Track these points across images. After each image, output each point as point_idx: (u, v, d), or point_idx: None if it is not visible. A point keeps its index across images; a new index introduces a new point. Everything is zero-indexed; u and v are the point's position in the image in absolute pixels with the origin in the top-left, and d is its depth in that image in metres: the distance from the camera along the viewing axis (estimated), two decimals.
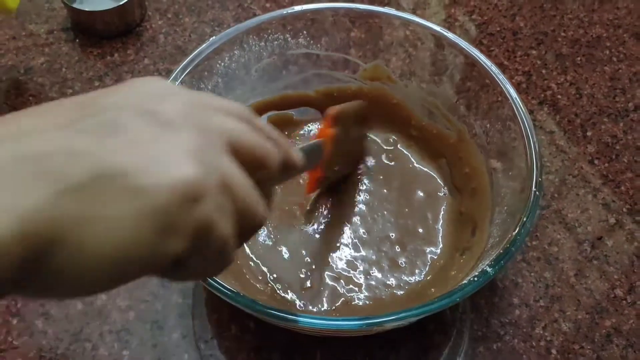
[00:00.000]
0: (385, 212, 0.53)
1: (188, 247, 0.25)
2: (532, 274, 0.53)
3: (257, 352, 0.49)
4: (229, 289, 0.40)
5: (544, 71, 0.66)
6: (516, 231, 0.42)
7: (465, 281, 0.40)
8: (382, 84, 0.57)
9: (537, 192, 0.44)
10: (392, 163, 0.56)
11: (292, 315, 0.39)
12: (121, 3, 0.66)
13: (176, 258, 0.25)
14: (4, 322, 0.50)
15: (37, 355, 0.49)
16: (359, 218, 0.53)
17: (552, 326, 0.51)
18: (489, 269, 0.40)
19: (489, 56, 0.67)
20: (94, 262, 0.23)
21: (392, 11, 0.55)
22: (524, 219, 0.42)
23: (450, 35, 0.52)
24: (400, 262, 0.51)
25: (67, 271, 0.23)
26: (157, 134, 0.25)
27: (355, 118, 0.53)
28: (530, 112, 0.63)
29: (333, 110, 0.49)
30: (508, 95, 0.49)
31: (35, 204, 0.21)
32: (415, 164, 0.56)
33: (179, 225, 0.25)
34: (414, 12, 0.71)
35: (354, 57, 0.57)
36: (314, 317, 0.39)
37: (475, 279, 0.40)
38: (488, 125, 0.52)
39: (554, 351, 0.50)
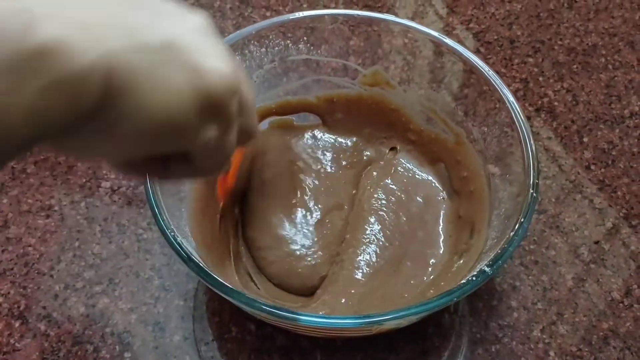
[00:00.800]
0: (385, 216, 0.54)
1: (217, 137, 0.30)
2: (530, 277, 0.54)
3: (257, 354, 0.50)
4: (230, 287, 0.40)
5: (540, 79, 0.67)
6: (513, 232, 0.42)
7: (464, 281, 0.41)
8: (382, 89, 0.58)
9: (534, 194, 0.44)
10: (392, 169, 0.57)
11: (291, 313, 0.39)
12: None
13: (203, 142, 0.29)
14: (6, 325, 0.51)
15: (40, 357, 0.49)
16: (359, 222, 0.53)
17: (550, 329, 0.51)
18: (487, 269, 0.41)
19: (485, 64, 0.68)
20: (148, 115, 0.26)
21: (391, 17, 0.56)
22: (522, 220, 0.43)
23: (448, 41, 0.53)
24: (401, 265, 0.51)
25: (126, 115, 0.26)
26: (209, 34, 0.30)
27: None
28: (528, 118, 0.64)
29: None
30: (506, 101, 0.50)
31: (117, 50, 0.25)
32: (414, 169, 0.57)
33: (219, 112, 0.29)
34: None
35: (353, 63, 0.58)
36: (314, 315, 0.39)
37: (474, 278, 0.40)
38: (486, 130, 0.52)
39: (551, 353, 0.50)
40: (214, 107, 0.28)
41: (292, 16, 0.55)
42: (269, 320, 0.43)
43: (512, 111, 0.49)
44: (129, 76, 0.25)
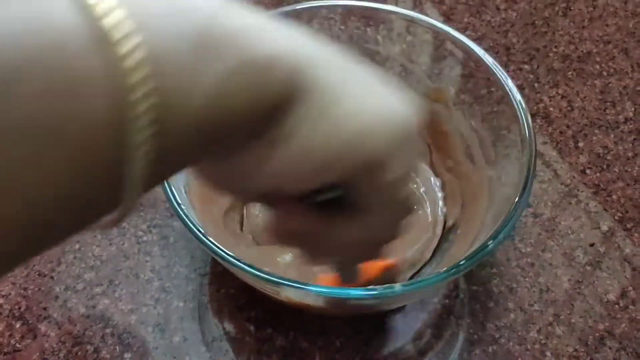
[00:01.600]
0: None
1: (395, 180, 0.27)
2: (527, 279, 0.55)
3: (257, 355, 0.50)
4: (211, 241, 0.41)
5: (536, 85, 0.68)
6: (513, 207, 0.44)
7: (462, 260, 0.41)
8: (442, 105, 0.56)
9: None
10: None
11: (277, 278, 0.39)
12: None
13: (381, 182, 0.26)
14: (7, 326, 0.51)
15: (40, 357, 0.49)
16: None
17: (546, 330, 0.52)
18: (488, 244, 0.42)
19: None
20: (333, 128, 0.24)
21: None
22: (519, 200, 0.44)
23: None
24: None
25: (305, 130, 0.23)
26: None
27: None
28: None
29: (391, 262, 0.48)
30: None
31: (309, 51, 0.24)
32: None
33: (403, 151, 0.26)
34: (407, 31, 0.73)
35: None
36: (299, 282, 0.39)
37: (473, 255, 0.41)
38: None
39: (548, 353, 0.51)
40: (401, 144, 0.26)
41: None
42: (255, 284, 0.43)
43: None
44: (318, 80, 0.23)
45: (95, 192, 0.19)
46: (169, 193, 0.43)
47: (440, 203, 0.56)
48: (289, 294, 0.43)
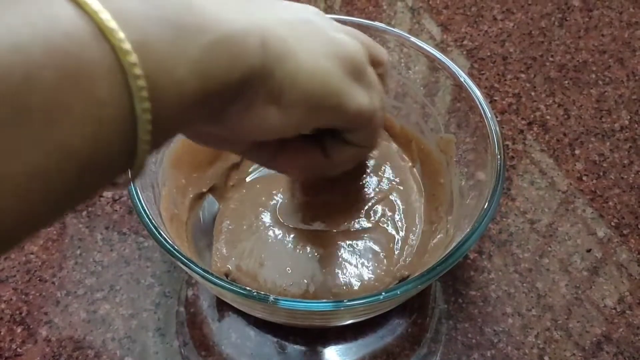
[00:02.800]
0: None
1: (368, 103, 0.34)
2: (525, 284, 0.55)
3: (257, 359, 0.51)
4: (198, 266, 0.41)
5: (533, 94, 0.69)
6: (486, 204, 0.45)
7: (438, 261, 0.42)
8: (446, 158, 0.56)
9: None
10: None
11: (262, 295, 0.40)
12: None
13: (357, 107, 0.33)
14: (8, 331, 0.51)
15: None
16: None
17: (544, 334, 0.52)
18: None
19: (479, 79, 0.70)
20: (307, 79, 0.30)
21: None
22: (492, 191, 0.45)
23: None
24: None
25: (288, 82, 0.29)
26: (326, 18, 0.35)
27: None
28: (520, 131, 0.66)
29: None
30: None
31: (274, 22, 0.29)
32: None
33: (362, 75, 0.33)
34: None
35: None
36: (285, 298, 0.40)
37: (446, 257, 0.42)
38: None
39: (546, 358, 0.51)
40: (358, 70, 0.32)
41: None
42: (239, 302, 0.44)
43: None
44: (282, 44, 0.28)
45: (112, 156, 0.23)
46: (146, 221, 0.43)
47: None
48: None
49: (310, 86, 0.30)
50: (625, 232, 0.59)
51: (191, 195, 0.55)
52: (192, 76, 0.24)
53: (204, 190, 0.56)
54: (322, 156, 0.38)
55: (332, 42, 0.31)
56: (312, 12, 0.33)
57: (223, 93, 0.26)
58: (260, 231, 0.53)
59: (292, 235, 0.53)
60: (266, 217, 0.54)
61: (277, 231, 0.53)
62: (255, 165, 0.60)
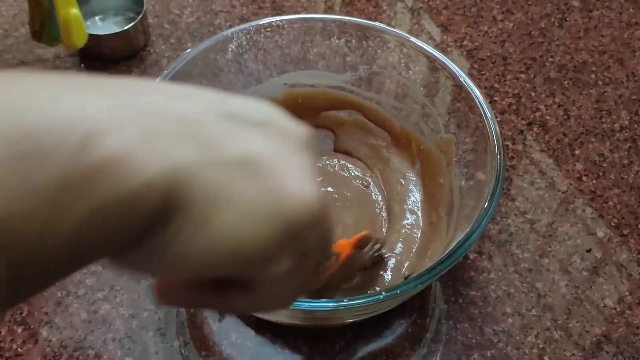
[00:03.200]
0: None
1: (288, 271, 0.25)
2: (525, 284, 0.55)
3: (258, 359, 0.51)
4: None
5: (532, 94, 0.69)
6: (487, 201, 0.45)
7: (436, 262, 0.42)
8: (446, 158, 0.56)
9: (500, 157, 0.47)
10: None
11: None
12: (126, 28, 0.69)
13: (271, 276, 0.24)
14: (9, 331, 0.51)
15: None
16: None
17: (544, 334, 0.52)
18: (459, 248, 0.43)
19: (479, 79, 0.70)
20: (210, 241, 0.22)
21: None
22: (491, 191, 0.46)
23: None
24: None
25: (182, 241, 0.22)
26: (293, 147, 0.25)
27: (378, 249, 0.51)
28: (520, 132, 0.66)
29: (363, 233, 0.50)
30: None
31: (184, 163, 0.21)
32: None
33: (295, 245, 0.24)
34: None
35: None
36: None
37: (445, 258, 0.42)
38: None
39: (546, 358, 0.51)
40: (292, 238, 0.24)
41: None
42: None
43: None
44: (195, 193, 0.22)
45: None
46: None
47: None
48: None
49: (216, 256, 0.23)
50: (625, 232, 0.59)
51: None
52: (63, 253, 0.20)
53: None
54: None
55: (274, 195, 0.23)
56: (276, 144, 0.24)
57: (101, 257, 0.22)
58: None
59: None
60: None
61: None
62: None
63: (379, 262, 0.53)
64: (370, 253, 0.50)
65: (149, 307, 0.53)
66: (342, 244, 0.48)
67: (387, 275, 0.53)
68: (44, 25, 0.62)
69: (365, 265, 0.51)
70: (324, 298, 0.45)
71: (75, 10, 0.61)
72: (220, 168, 0.22)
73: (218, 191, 0.22)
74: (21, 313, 0.52)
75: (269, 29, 0.57)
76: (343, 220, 0.56)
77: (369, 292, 0.51)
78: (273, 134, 0.24)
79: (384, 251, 0.52)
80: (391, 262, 0.54)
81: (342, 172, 0.60)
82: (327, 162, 0.61)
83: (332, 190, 0.58)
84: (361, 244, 0.49)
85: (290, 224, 0.23)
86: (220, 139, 0.23)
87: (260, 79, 0.59)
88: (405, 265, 0.54)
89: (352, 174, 0.60)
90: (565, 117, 0.67)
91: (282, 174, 0.23)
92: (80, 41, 0.63)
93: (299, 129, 0.26)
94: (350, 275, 0.51)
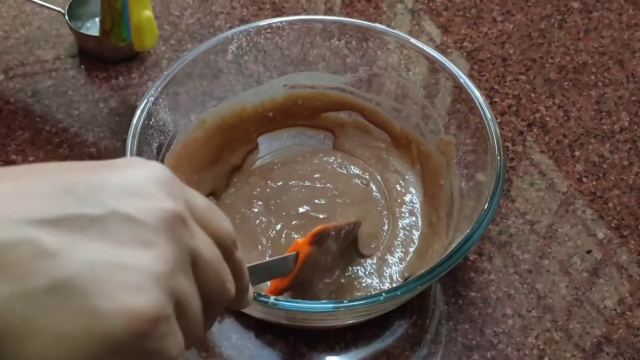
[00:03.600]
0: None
1: None
2: (525, 286, 0.55)
3: None
4: None
5: (532, 95, 0.69)
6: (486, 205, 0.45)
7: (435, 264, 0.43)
8: (446, 159, 0.56)
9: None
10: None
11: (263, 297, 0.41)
12: None
13: None
14: None
15: None
16: None
17: (544, 335, 0.52)
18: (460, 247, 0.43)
19: (479, 81, 0.70)
20: None
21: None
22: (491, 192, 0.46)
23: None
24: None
25: None
26: (130, 245, 0.24)
27: (342, 237, 0.50)
28: (520, 133, 0.66)
29: (318, 227, 0.47)
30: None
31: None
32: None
33: (126, 355, 0.23)
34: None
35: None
36: (285, 299, 0.40)
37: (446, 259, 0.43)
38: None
39: (546, 359, 0.51)
40: (121, 354, 0.23)
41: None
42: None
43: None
44: (1, 328, 0.21)
45: None
46: None
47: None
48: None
49: None
50: (625, 233, 0.59)
51: None
52: None
53: (205, 194, 0.56)
54: None
55: (88, 318, 0.22)
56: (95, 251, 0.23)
57: None
58: (250, 223, 0.55)
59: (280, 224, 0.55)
60: (258, 208, 0.56)
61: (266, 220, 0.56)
62: (256, 167, 0.60)
63: (353, 242, 0.52)
64: (336, 244, 0.49)
65: None
66: (299, 244, 0.46)
67: (387, 277, 0.53)
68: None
69: (336, 254, 0.50)
70: (309, 299, 0.46)
71: (148, 12, 0.60)
72: (27, 300, 0.21)
73: (24, 325, 0.21)
74: None
75: (269, 30, 0.57)
76: (346, 216, 0.56)
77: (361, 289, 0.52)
78: (107, 233, 0.23)
79: (352, 228, 0.51)
80: (391, 263, 0.54)
81: (340, 170, 0.60)
82: (325, 158, 0.61)
83: (331, 186, 0.58)
84: (319, 239, 0.47)
85: (110, 343, 0.22)
86: (32, 264, 0.21)
87: (261, 80, 0.59)
88: (405, 266, 0.54)
89: (352, 172, 0.60)
90: (565, 118, 0.67)
91: (100, 292, 0.22)
92: (150, 42, 0.62)
93: (154, 211, 0.24)
94: (325, 270, 0.50)
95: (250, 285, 0.33)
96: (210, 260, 0.27)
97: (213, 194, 0.57)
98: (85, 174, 0.25)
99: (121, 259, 0.23)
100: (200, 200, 0.28)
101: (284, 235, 0.55)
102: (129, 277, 0.23)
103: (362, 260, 0.54)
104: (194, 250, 0.26)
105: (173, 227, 0.25)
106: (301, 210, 0.56)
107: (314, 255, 0.46)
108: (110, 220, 0.23)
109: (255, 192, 0.58)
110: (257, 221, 0.56)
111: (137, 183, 0.25)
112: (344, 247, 0.50)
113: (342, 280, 0.52)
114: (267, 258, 0.52)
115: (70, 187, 0.24)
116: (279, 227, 0.55)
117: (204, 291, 0.27)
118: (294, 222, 0.55)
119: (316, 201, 0.57)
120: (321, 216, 0.56)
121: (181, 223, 0.26)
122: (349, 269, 0.53)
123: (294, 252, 0.45)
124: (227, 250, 0.29)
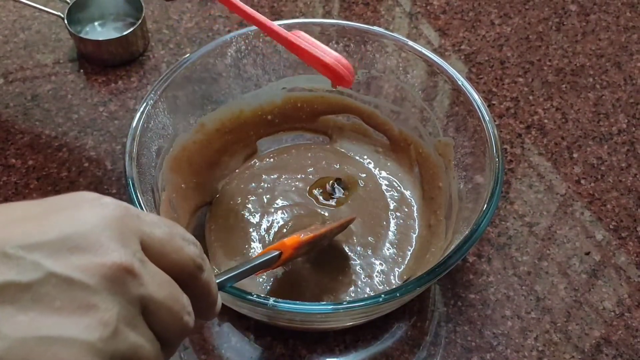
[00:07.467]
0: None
1: None
2: (524, 287, 0.55)
3: None
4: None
5: (530, 97, 0.69)
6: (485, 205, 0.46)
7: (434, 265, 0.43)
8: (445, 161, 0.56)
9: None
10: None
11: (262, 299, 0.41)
12: (125, 34, 0.69)
13: None
14: None
15: None
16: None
17: (543, 337, 0.52)
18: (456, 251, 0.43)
19: (477, 83, 0.70)
20: None
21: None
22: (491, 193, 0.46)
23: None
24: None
25: None
26: (67, 313, 0.23)
27: (332, 236, 0.51)
28: (519, 135, 0.66)
29: (308, 236, 0.46)
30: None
31: None
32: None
33: None
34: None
35: None
36: (284, 301, 0.41)
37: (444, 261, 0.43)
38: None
39: None
40: None
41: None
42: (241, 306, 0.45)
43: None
44: None
45: None
46: None
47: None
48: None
49: None
50: (623, 235, 0.59)
51: (195, 203, 0.55)
52: None
53: (208, 200, 0.57)
54: None
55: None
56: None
57: None
58: (245, 224, 0.56)
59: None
60: (253, 205, 0.57)
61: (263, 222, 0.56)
62: (255, 168, 0.61)
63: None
64: (323, 242, 0.50)
65: None
66: (284, 244, 0.44)
67: (386, 279, 0.53)
68: None
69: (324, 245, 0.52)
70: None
71: None
72: None
73: None
74: None
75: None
76: (343, 215, 0.56)
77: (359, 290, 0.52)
78: (41, 301, 0.22)
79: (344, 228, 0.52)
80: (389, 265, 0.54)
81: (337, 167, 0.61)
82: (322, 154, 0.61)
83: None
84: (306, 244, 0.46)
85: None
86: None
87: (259, 83, 0.59)
88: (404, 268, 0.54)
89: (351, 171, 0.60)
90: (563, 120, 0.67)
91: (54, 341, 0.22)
92: None
93: (95, 268, 0.23)
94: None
95: (219, 297, 0.32)
96: (163, 301, 0.26)
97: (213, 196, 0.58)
98: (21, 228, 0.23)
99: (55, 330, 0.22)
100: (159, 231, 0.27)
101: (277, 230, 0.56)
102: (63, 351, 0.22)
103: (361, 261, 0.54)
104: (142, 298, 0.25)
105: (117, 282, 0.24)
106: (295, 208, 0.57)
107: (298, 254, 0.47)
108: (46, 285, 0.22)
109: (249, 188, 0.58)
110: (250, 216, 0.56)
111: (80, 232, 0.24)
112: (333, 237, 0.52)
113: (340, 281, 0.52)
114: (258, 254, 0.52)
115: (1, 249, 0.22)
116: (272, 222, 0.56)
117: (160, 331, 0.26)
118: (287, 218, 0.56)
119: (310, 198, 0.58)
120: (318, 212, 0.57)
121: (127, 274, 0.24)
122: (346, 270, 0.53)
123: (277, 252, 0.43)
124: (190, 276, 0.28)
